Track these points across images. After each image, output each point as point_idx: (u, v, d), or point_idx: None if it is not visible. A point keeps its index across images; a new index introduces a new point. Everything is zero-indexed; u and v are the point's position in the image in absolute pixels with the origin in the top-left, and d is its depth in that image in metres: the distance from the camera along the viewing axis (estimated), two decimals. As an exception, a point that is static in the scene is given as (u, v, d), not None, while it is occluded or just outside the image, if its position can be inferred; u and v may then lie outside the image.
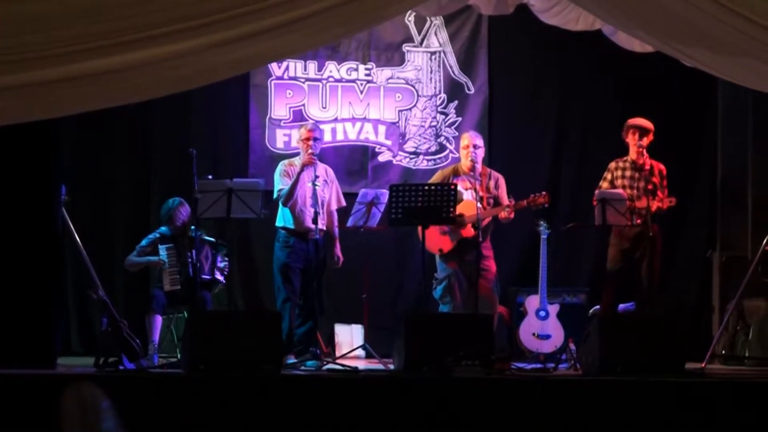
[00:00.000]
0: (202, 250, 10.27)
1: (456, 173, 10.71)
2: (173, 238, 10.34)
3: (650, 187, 10.36)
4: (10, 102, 7.53)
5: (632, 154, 10.54)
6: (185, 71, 7.82)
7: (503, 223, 10.52)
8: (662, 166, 10.58)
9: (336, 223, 10.56)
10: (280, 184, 10.30)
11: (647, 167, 10.47)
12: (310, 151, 10.19)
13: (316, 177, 10.15)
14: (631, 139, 10.54)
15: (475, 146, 10.54)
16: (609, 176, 10.59)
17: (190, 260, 10.00)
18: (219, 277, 10.39)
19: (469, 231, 10.40)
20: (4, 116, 7.87)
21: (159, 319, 10.13)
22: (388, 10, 8.65)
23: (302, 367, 9.66)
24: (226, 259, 10.50)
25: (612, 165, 10.63)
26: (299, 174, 10.16)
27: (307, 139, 10.26)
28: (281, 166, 10.43)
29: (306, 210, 10.20)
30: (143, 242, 10.40)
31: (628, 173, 10.51)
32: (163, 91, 8.45)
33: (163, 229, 10.41)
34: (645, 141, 10.46)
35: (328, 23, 7.95)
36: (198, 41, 7.56)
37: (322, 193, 10.23)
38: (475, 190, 10.29)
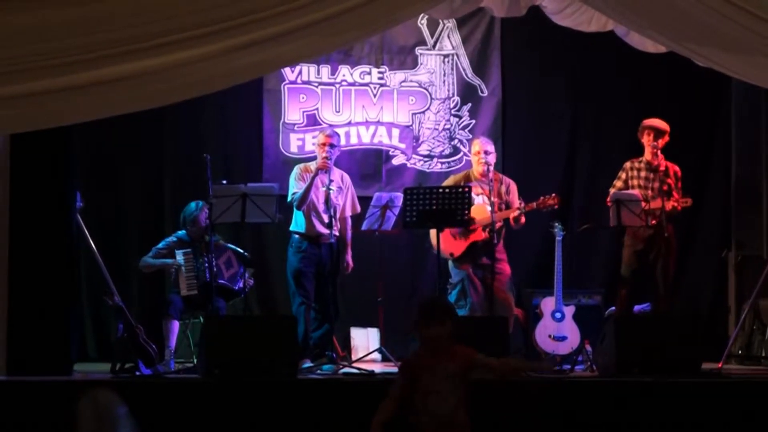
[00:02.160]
0: (222, 255, 10.28)
1: (468, 179, 10.73)
2: (191, 243, 10.35)
3: (665, 188, 10.36)
4: (24, 110, 7.55)
5: (647, 155, 10.54)
6: (199, 77, 7.83)
7: (515, 230, 10.56)
8: (677, 168, 10.58)
9: (349, 229, 10.58)
10: (295, 187, 10.32)
11: (662, 168, 10.47)
12: (324, 155, 10.21)
13: (331, 182, 10.16)
14: (646, 140, 10.54)
15: (486, 152, 10.59)
16: (624, 176, 10.60)
17: (206, 265, 10.02)
18: (239, 286, 10.37)
19: (479, 234, 10.43)
20: (20, 124, 7.90)
21: (176, 325, 10.15)
22: (401, 14, 8.66)
23: (318, 371, 9.67)
24: (252, 280, 10.53)
25: (627, 165, 10.64)
26: (313, 178, 10.18)
27: (324, 144, 10.29)
28: (297, 170, 10.46)
29: (319, 215, 10.21)
30: (161, 245, 10.41)
31: (642, 174, 10.51)
32: (178, 97, 8.47)
33: (181, 233, 10.42)
34: (660, 142, 10.47)
35: (342, 27, 7.96)
36: (211, 47, 7.57)
37: (335, 199, 10.24)
38: (488, 195, 10.32)
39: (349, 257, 10.55)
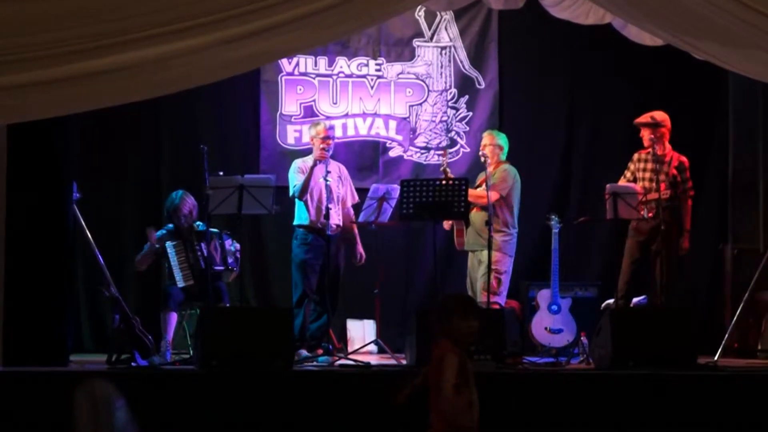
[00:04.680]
0: (211, 242, 10.27)
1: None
2: (179, 234, 10.31)
3: (670, 178, 10.35)
4: (21, 100, 7.54)
5: (648, 146, 10.53)
6: (195, 68, 7.82)
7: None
8: (684, 158, 10.52)
9: (353, 219, 10.60)
10: (295, 180, 10.36)
11: (667, 159, 10.45)
12: (322, 146, 10.25)
13: (328, 173, 10.17)
14: (646, 134, 10.52)
15: (484, 145, 10.68)
16: (632, 167, 10.57)
17: (200, 253, 10.03)
18: (231, 264, 10.37)
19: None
20: (17, 114, 7.89)
21: (174, 316, 10.15)
22: (399, 5, 8.65)
23: (314, 363, 9.68)
24: (236, 244, 10.48)
25: (635, 156, 10.61)
26: (312, 168, 10.22)
27: (325, 137, 10.33)
28: (295, 164, 10.51)
29: (321, 206, 10.23)
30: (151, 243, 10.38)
31: (649, 165, 10.47)
32: (174, 88, 8.46)
33: (170, 226, 10.40)
34: (658, 133, 10.45)
35: (339, 18, 7.95)
36: (208, 38, 7.56)
37: (337, 189, 10.30)
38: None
39: (360, 248, 10.62)
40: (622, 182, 10.50)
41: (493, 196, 10.40)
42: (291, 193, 10.41)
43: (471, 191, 10.32)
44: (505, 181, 10.62)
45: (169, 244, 10.25)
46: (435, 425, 5.87)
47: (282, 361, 8.78)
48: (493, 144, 10.71)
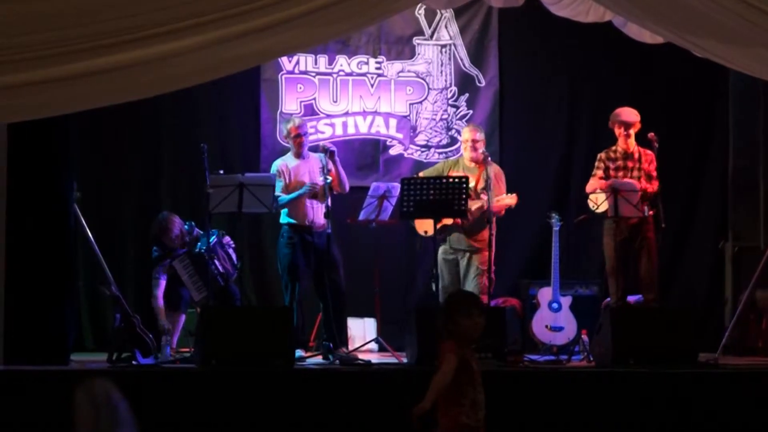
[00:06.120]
0: (219, 253, 10.27)
1: (457, 165, 10.71)
2: (169, 257, 10.32)
3: (642, 174, 10.32)
4: (22, 99, 7.54)
5: (621, 144, 10.48)
6: (194, 67, 7.82)
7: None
8: (650, 152, 10.44)
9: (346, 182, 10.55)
10: (278, 187, 10.28)
11: (636, 155, 10.41)
12: (297, 149, 10.39)
13: (328, 170, 10.13)
14: (618, 131, 10.48)
15: (474, 140, 10.55)
16: (602, 165, 10.51)
17: (216, 272, 10.05)
18: (234, 259, 10.42)
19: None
20: (18, 113, 7.89)
21: (183, 318, 10.24)
22: (399, 3, 8.66)
23: (315, 361, 9.68)
24: (231, 243, 10.53)
25: (602, 155, 10.53)
26: (302, 191, 10.20)
27: (297, 135, 10.33)
28: (275, 166, 10.47)
29: (313, 205, 10.20)
30: (156, 274, 10.36)
31: (620, 163, 10.45)
32: (173, 87, 8.47)
33: (155, 252, 10.39)
34: (631, 131, 10.42)
35: (338, 16, 7.95)
36: (207, 36, 7.55)
37: (322, 177, 10.18)
38: (476, 182, 10.36)
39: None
40: (592, 183, 10.47)
41: (514, 199, 10.44)
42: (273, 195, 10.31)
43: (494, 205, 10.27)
44: (503, 182, 10.61)
45: (177, 263, 10.23)
46: (441, 424, 5.88)
47: (282, 359, 8.78)
48: (482, 139, 10.63)
